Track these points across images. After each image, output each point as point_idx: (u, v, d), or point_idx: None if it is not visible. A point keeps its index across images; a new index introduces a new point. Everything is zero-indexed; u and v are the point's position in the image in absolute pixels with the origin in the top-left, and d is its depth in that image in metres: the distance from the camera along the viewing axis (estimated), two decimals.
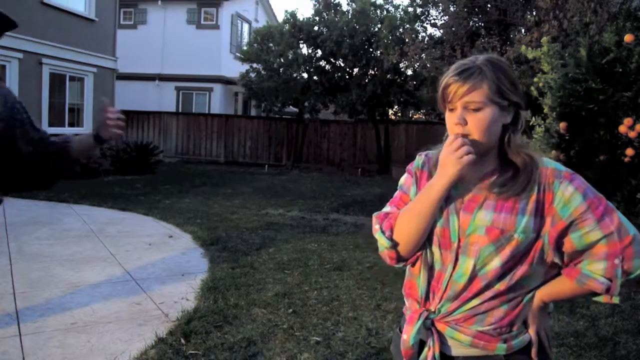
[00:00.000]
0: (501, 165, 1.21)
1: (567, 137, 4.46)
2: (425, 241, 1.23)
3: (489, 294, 1.18)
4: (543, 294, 1.20)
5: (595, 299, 1.18)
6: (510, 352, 1.19)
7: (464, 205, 1.21)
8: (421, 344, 1.25)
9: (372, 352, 3.04)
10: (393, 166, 13.99)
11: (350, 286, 4.28)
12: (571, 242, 1.15)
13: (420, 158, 1.34)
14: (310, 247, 5.64)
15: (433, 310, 1.24)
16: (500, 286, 1.17)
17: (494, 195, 1.18)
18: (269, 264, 4.85)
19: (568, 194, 1.15)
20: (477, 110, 1.15)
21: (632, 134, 3.96)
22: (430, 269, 1.25)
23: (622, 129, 4.00)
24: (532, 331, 1.21)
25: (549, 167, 1.18)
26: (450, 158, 1.13)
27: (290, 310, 3.67)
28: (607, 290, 1.13)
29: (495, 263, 1.16)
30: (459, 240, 1.19)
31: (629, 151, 4.02)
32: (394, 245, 1.24)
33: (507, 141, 1.20)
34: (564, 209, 1.14)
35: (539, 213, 1.16)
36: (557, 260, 1.18)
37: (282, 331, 3.28)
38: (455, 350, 1.22)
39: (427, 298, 1.26)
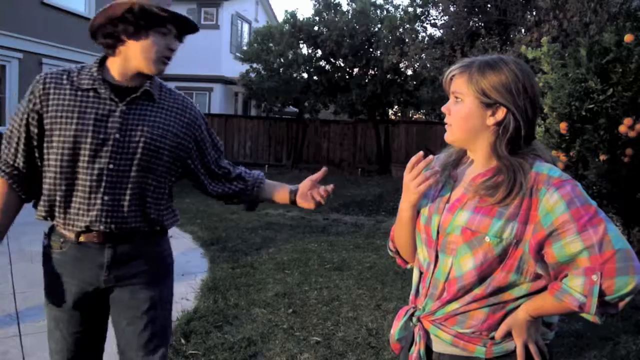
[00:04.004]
0: (496, 167, 1.19)
1: (567, 137, 4.46)
2: (417, 239, 1.33)
3: (467, 298, 1.18)
4: (529, 307, 1.15)
5: (584, 315, 1.10)
6: (491, 357, 1.18)
7: (449, 205, 1.23)
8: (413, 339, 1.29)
9: (372, 352, 3.04)
10: (393, 166, 13.99)
11: (350, 286, 4.28)
12: (553, 253, 1.10)
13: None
14: (310, 247, 5.64)
15: (420, 307, 1.27)
16: (479, 291, 1.16)
17: (478, 196, 1.17)
18: (269, 264, 4.85)
19: (552, 202, 1.09)
20: (460, 101, 1.21)
21: (632, 134, 3.95)
22: (421, 266, 1.31)
23: (622, 129, 3.99)
24: (518, 342, 1.17)
25: (540, 173, 1.13)
26: (409, 186, 1.23)
27: (290, 310, 3.67)
28: (582, 308, 1.07)
29: (470, 265, 1.16)
30: (438, 238, 1.22)
31: (629, 151, 4.02)
32: (397, 252, 1.41)
33: (493, 144, 1.19)
34: (546, 217, 1.10)
35: (523, 219, 1.12)
36: (541, 271, 1.14)
37: (282, 331, 3.28)
38: (438, 347, 1.25)
39: (417, 295, 1.31)
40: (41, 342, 2.97)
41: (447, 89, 1.25)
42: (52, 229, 1.62)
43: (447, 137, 1.26)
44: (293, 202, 1.82)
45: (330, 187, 1.78)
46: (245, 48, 15.61)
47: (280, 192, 1.88)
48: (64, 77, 1.55)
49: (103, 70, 1.57)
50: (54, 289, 1.59)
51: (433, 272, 1.24)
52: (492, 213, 1.14)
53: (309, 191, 1.81)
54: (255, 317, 3.48)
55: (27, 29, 9.70)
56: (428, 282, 1.25)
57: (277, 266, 4.79)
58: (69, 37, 10.84)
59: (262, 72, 14.63)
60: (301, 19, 14.42)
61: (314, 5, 14.56)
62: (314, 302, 3.87)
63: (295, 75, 14.46)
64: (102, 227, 1.52)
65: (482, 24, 8.94)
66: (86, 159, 1.50)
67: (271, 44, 14.54)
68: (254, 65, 14.82)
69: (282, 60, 14.41)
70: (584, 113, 4.33)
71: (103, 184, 1.51)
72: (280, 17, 18.26)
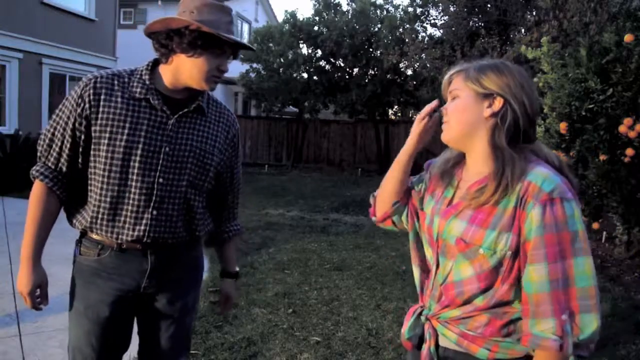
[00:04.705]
0: (491, 172, 1.15)
1: (567, 137, 4.46)
2: (422, 239, 1.32)
3: (469, 307, 1.17)
4: None
5: None
6: (493, 359, 1.17)
7: (445, 209, 1.22)
8: (422, 337, 1.29)
9: (372, 352, 3.04)
10: None
11: (350, 286, 4.28)
12: (524, 274, 1.10)
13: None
14: (310, 247, 5.64)
15: (426, 306, 1.28)
16: (482, 303, 1.15)
17: (473, 205, 1.15)
18: (269, 264, 4.85)
19: (533, 221, 1.07)
20: (457, 97, 1.21)
21: (632, 134, 3.96)
22: (425, 266, 1.32)
23: (622, 129, 4.00)
24: None
25: (534, 184, 1.08)
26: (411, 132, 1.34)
27: (290, 310, 3.67)
28: (562, 348, 1.04)
29: (469, 272, 1.15)
30: (438, 241, 1.22)
31: (629, 151, 4.02)
32: (374, 198, 1.46)
33: (491, 137, 1.16)
34: (529, 233, 1.08)
35: (517, 230, 1.09)
36: None
37: (282, 331, 3.28)
38: (444, 342, 1.25)
39: (422, 293, 1.32)
40: (41, 342, 2.97)
41: (446, 93, 1.25)
42: (84, 235, 1.55)
43: (444, 135, 1.23)
44: (222, 274, 1.89)
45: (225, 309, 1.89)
46: None
47: (223, 261, 1.88)
48: (115, 82, 1.48)
49: (154, 76, 1.51)
50: (87, 301, 1.53)
51: (435, 274, 1.24)
52: (486, 224, 1.12)
53: (224, 298, 1.87)
54: (255, 317, 3.48)
55: (27, 29, 9.70)
56: (431, 283, 1.26)
57: (277, 266, 4.79)
58: (69, 37, 10.84)
59: (262, 72, 14.63)
60: (301, 19, 14.43)
61: (314, 5, 14.56)
62: (314, 302, 3.87)
63: (295, 75, 14.45)
64: (149, 241, 1.49)
65: (482, 24, 8.95)
66: (136, 171, 1.45)
67: (271, 44, 14.54)
68: (254, 65, 14.82)
69: (282, 60, 14.41)
70: (584, 113, 4.33)
71: (153, 198, 1.47)
72: (280, 17, 18.29)
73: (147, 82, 1.49)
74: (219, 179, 1.68)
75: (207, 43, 1.43)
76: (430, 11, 11.18)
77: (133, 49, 16.54)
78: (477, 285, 1.14)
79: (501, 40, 8.30)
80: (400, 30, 12.13)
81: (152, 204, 1.47)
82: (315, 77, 14.54)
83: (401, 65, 12.53)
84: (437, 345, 1.25)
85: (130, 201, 1.47)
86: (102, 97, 1.46)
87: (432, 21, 11.33)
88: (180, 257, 1.60)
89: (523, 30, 8.27)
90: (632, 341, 3.26)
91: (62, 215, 1.59)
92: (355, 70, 14.36)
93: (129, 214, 1.47)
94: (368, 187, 11.46)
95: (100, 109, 1.45)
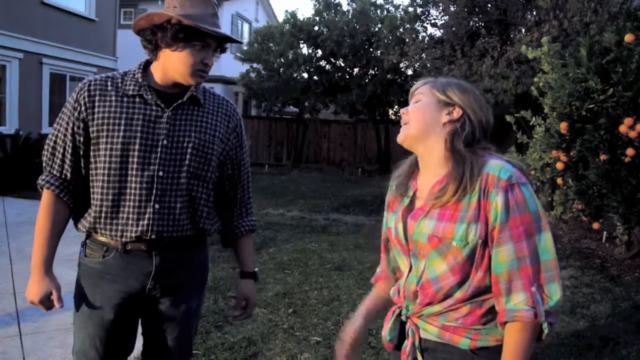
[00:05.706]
0: (449, 173, 1.22)
1: (567, 137, 4.46)
2: (389, 245, 1.39)
3: (449, 301, 1.21)
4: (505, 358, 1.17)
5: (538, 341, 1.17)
6: (474, 348, 1.21)
7: (412, 213, 1.28)
8: (402, 335, 1.33)
9: (372, 352, 3.04)
10: (393, 166, 13.89)
11: (350, 286, 4.28)
12: (493, 256, 1.17)
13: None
14: (310, 247, 5.65)
15: (403, 306, 1.32)
16: (460, 295, 1.20)
17: (438, 204, 1.21)
18: (269, 264, 4.85)
19: (497, 207, 1.15)
20: (420, 100, 1.31)
21: (632, 134, 3.95)
22: (396, 270, 1.38)
23: (622, 129, 4.00)
24: None
25: (492, 174, 1.17)
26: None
27: (290, 310, 3.67)
28: (536, 317, 1.12)
29: (443, 267, 1.20)
30: (409, 244, 1.27)
31: (629, 151, 4.02)
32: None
33: (449, 144, 1.24)
34: (494, 220, 1.15)
35: (484, 219, 1.16)
36: None
37: (282, 331, 3.28)
38: (426, 336, 1.28)
39: (398, 295, 1.35)
40: (41, 342, 2.97)
41: (411, 99, 1.35)
42: (89, 237, 1.56)
43: (401, 134, 1.31)
44: (241, 274, 1.85)
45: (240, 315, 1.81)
46: (245, 48, 15.61)
47: (239, 261, 1.83)
48: (109, 83, 1.52)
49: (147, 75, 1.55)
50: (91, 304, 1.52)
51: (407, 276, 1.29)
52: (454, 218, 1.18)
53: (243, 300, 1.81)
54: (256, 317, 3.48)
55: (27, 29, 9.70)
56: (402, 284, 1.30)
57: (277, 266, 4.79)
58: (69, 36, 10.84)
59: (262, 72, 14.63)
60: (301, 19, 14.42)
61: (314, 5, 14.55)
62: (314, 302, 3.87)
63: (295, 75, 14.45)
64: (153, 237, 1.48)
65: (483, 24, 8.94)
66: (135, 166, 1.46)
67: (271, 44, 14.54)
68: (254, 65, 14.82)
69: (282, 60, 14.41)
70: (584, 113, 4.33)
71: (154, 192, 1.48)
72: (280, 17, 18.28)
73: (140, 80, 1.52)
74: (224, 171, 1.67)
75: (189, 36, 1.45)
76: (431, 11, 11.16)
77: (133, 49, 16.53)
78: (452, 278, 1.19)
79: (501, 40, 8.29)
80: (401, 30, 12.11)
81: (153, 198, 1.48)
82: (315, 77, 14.53)
83: (401, 65, 12.50)
84: (420, 340, 1.28)
85: (132, 197, 1.48)
86: (97, 98, 1.50)
87: (433, 21, 11.30)
88: (185, 259, 1.60)
89: (523, 30, 8.27)
90: (633, 341, 3.26)
91: None
92: (356, 70, 14.35)
93: (131, 209, 1.48)
94: (368, 187, 11.46)
95: (96, 110, 1.49)
